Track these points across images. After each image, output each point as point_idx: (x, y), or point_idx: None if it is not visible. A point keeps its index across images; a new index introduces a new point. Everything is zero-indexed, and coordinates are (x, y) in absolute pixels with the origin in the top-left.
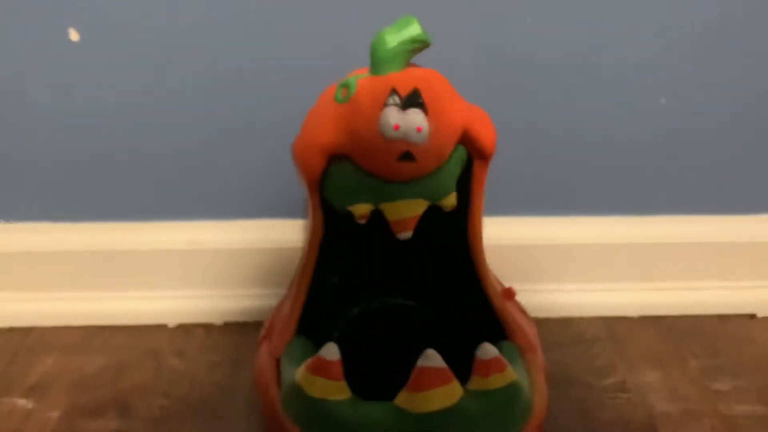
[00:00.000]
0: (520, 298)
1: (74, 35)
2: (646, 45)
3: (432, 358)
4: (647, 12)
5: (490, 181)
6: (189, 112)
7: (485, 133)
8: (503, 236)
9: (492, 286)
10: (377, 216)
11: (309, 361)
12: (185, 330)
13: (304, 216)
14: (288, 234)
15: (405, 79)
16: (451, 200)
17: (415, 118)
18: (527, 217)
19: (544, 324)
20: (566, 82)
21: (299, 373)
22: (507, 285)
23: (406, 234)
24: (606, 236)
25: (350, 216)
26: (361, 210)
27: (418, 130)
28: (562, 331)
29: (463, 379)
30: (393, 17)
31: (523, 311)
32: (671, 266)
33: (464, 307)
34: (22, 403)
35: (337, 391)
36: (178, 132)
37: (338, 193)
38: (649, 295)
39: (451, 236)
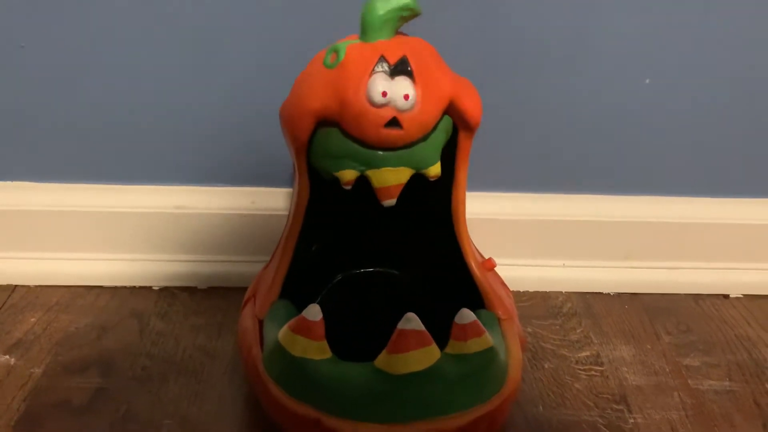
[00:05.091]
0: (502, 271)
1: None
2: (632, 25)
3: (412, 321)
4: None
5: (474, 156)
6: (180, 76)
7: (472, 104)
8: (486, 210)
9: (473, 257)
10: (363, 184)
11: (292, 321)
12: (169, 293)
13: (289, 185)
14: (274, 202)
15: (394, 46)
16: (435, 169)
17: (402, 85)
18: (510, 192)
19: (523, 297)
20: (553, 61)
21: (281, 332)
22: (488, 257)
23: (391, 201)
24: (586, 214)
25: (336, 182)
26: (347, 176)
27: (406, 97)
28: (540, 304)
29: (443, 347)
30: None
31: (502, 283)
32: (648, 245)
33: (445, 276)
34: (4, 359)
35: (317, 351)
36: (169, 96)
37: (325, 158)
38: (625, 273)
39: (435, 206)
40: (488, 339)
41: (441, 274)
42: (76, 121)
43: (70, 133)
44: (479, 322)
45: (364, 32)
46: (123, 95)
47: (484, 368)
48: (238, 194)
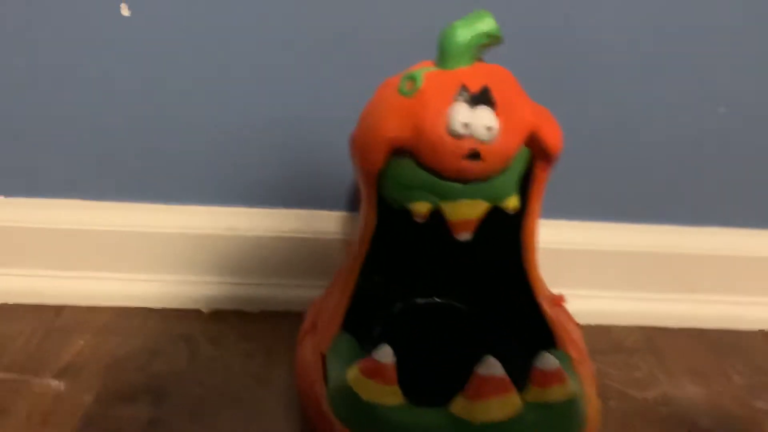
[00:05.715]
0: None
1: (125, 10)
2: (706, 50)
3: (492, 366)
4: (708, 16)
5: None
6: (235, 98)
7: (553, 134)
8: (545, 239)
9: (543, 292)
10: (432, 214)
11: (362, 362)
12: (219, 316)
13: (343, 208)
14: (326, 225)
15: (475, 74)
16: (513, 202)
17: (484, 116)
18: (571, 221)
19: (583, 330)
20: (625, 89)
21: (351, 374)
22: (557, 291)
23: (466, 235)
24: (650, 245)
25: (405, 213)
26: (421, 208)
27: (488, 128)
28: (601, 338)
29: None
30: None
31: (571, 319)
32: (714, 278)
33: (512, 311)
34: (55, 384)
35: (390, 396)
36: (223, 116)
37: (397, 189)
38: (689, 307)
39: (505, 238)
40: (571, 387)
41: (508, 308)
42: (126, 139)
43: (122, 152)
44: (562, 368)
45: (443, 59)
46: (177, 116)
47: (568, 418)
48: (290, 216)
